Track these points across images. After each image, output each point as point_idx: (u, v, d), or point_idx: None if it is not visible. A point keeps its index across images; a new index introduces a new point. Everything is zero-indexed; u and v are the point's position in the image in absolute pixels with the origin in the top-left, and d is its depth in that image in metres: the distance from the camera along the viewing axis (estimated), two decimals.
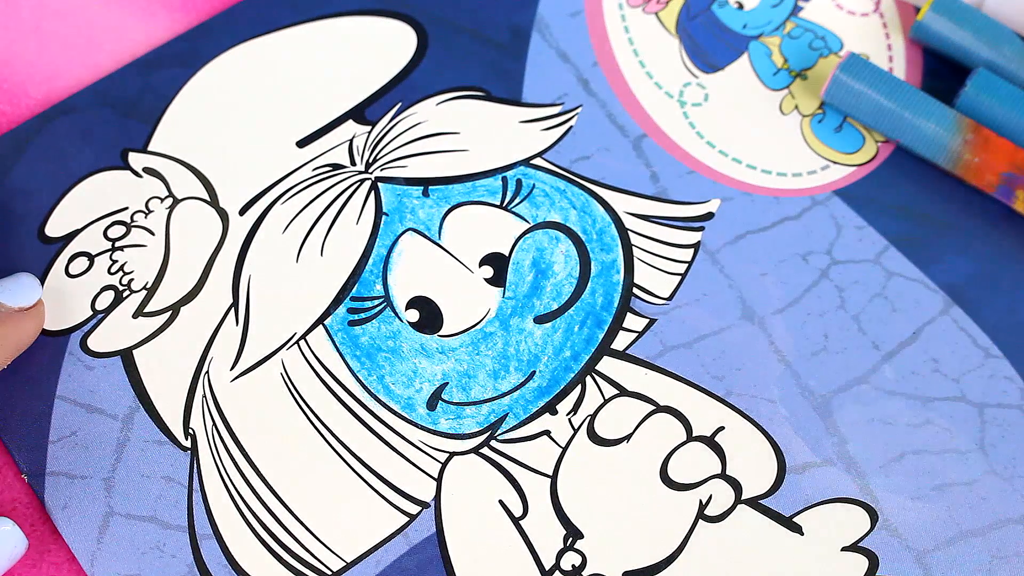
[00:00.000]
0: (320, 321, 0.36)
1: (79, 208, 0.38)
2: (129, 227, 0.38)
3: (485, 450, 0.34)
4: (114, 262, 0.37)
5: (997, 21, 0.40)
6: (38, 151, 0.39)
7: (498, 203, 0.38)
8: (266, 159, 0.39)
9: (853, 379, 0.35)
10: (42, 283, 0.37)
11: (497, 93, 0.40)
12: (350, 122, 0.40)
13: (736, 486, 0.33)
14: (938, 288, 0.37)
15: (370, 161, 0.39)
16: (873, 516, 0.33)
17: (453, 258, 0.37)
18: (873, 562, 0.32)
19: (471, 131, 0.39)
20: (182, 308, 0.37)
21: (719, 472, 0.33)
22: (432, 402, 0.35)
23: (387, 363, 0.35)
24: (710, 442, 0.34)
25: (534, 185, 0.38)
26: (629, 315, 0.36)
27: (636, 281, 0.37)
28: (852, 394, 0.35)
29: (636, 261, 0.37)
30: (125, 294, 0.37)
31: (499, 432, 0.34)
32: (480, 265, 0.37)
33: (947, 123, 0.37)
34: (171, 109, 0.40)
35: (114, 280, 0.37)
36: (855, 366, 0.35)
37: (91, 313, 0.36)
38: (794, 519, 0.33)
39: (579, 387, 0.35)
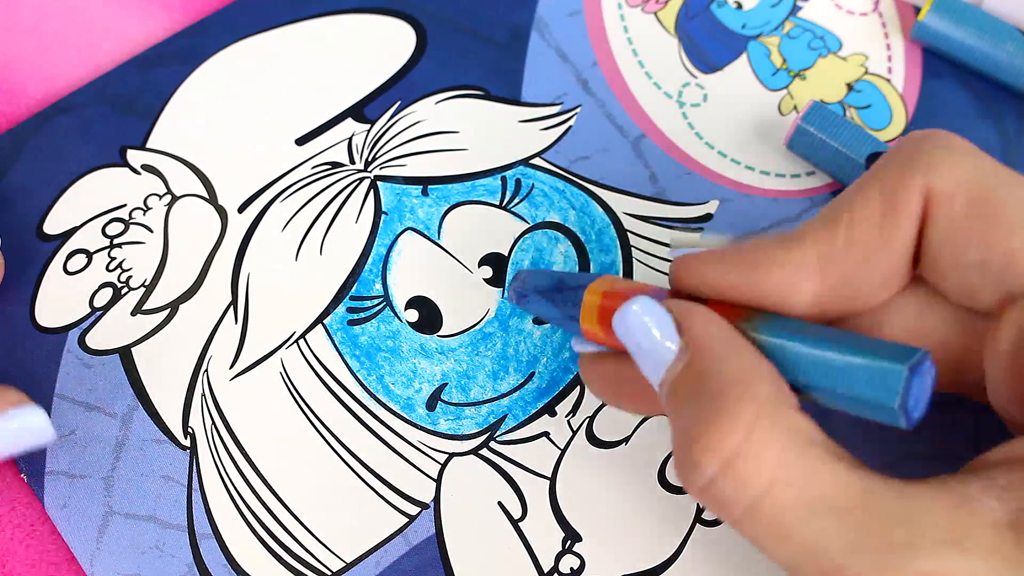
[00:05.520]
0: (319, 320, 0.36)
1: (77, 205, 0.38)
2: (127, 224, 0.38)
3: (484, 451, 0.34)
4: (112, 259, 0.37)
5: (998, 18, 0.40)
6: (37, 149, 0.39)
7: (497, 203, 0.38)
8: (265, 157, 0.39)
9: None
10: (40, 280, 0.37)
11: (496, 92, 0.40)
12: (349, 120, 0.40)
13: None
14: None
15: (369, 160, 0.39)
16: None
17: (452, 258, 0.37)
18: None
19: (470, 130, 0.39)
20: (181, 306, 0.37)
21: None
22: (431, 402, 0.35)
23: (386, 363, 0.36)
24: None
25: (533, 185, 0.38)
26: None
27: None
28: None
29: (635, 262, 0.37)
30: (123, 291, 0.37)
31: (498, 433, 0.35)
32: (479, 265, 0.37)
33: None
34: (169, 106, 0.40)
35: (112, 277, 0.37)
36: None
37: (89, 310, 0.36)
38: None
39: (578, 388, 0.35)
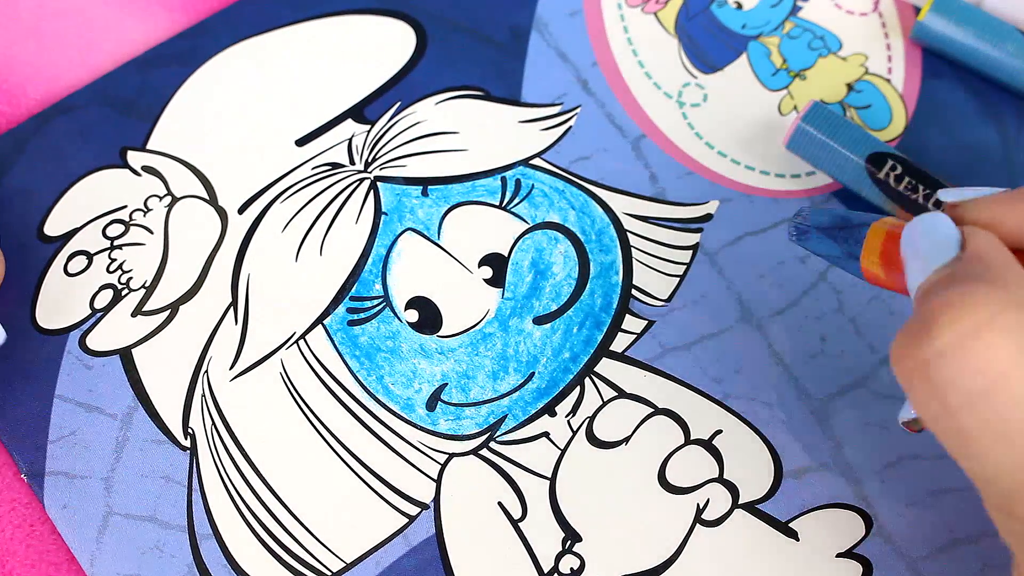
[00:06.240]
0: (319, 321, 0.36)
1: (78, 207, 0.38)
2: (128, 226, 0.38)
3: (484, 451, 0.34)
4: (113, 261, 0.37)
5: (998, 18, 0.40)
6: (37, 150, 0.39)
7: (497, 203, 0.38)
8: (265, 158, 0.39)
9: (850, 383, 0.35)
10: (41, 282, 0.37)
11: (496, 93, 0.40)
12: (349, 121, 0.40)
13: (733, 490, 0.33)
14: None
15: (369, 160, 0.39)
16: (868, 522, 0.33)
17: (452, 258, 0.37)
18: (867, 569, 0.32)
19: (470, 131, 0.39)
20: (181, 307, 0.37)
21: (716, 476, 0.34)
22: (431, 403, 0.35)
23: (386, 363, 0.36)
24: (708, 446, 0.34)
25: (533, 185, 0.38)
26: (628, 317, 0.36)
27: (635, 282, 0.37)
28: (849, 398, 0.35)
29: (635, 262, 0.37)
30: (124, 293, 0.37)
31: (498, 433, 0.35)
32: (479, 265, 0.37)
33: None
34: (170, 108, 0.40)
35: (113, 279, 0.37)
36: (852, 369, 0.35)
37: (90, 312, 0.37)
38: (790, 524, 0.33)
39: (578, 389, 0.35)
